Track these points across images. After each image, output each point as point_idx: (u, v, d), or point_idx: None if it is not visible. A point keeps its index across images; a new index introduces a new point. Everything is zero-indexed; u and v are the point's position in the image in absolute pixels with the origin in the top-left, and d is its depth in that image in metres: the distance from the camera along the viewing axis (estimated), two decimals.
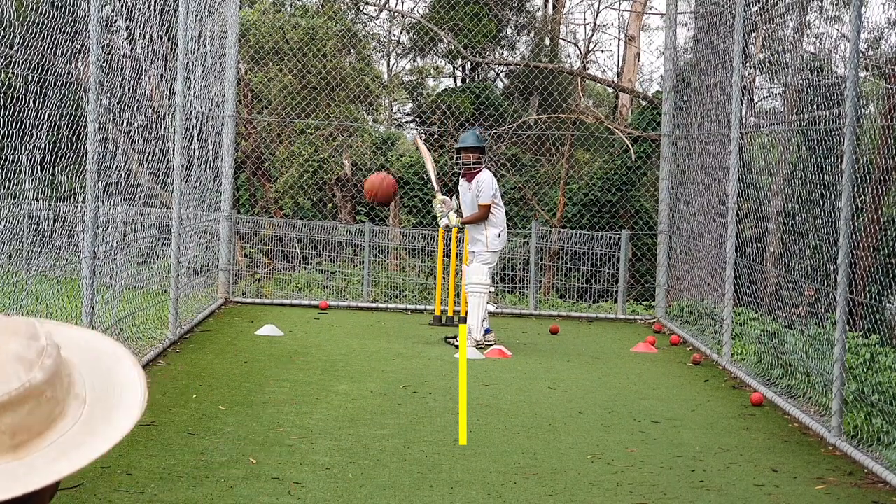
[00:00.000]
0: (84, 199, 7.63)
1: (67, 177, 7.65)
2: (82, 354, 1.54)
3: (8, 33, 6.52)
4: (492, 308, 11.01)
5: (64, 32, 7.32)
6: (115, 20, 9.41)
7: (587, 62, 21.59)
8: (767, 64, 11.32)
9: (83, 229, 7.63)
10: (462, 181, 10.54)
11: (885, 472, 6.31)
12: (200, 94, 11.04)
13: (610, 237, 14.01)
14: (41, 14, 7.10)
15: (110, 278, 8.63)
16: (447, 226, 10.95)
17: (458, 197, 10.81)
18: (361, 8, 19.73)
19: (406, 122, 21.96)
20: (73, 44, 7.54)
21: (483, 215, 10.34)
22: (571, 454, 6.58)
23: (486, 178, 10.36)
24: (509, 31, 20.63)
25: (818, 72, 9.07)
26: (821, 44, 9.66)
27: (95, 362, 1.54)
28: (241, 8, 14.03)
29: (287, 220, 15.84)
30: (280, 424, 6.94)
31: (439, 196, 11.00)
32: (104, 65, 7.65)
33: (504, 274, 14.33)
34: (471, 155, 10.37)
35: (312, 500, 5.44)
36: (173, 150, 9.93)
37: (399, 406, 7.68)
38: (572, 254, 14.37)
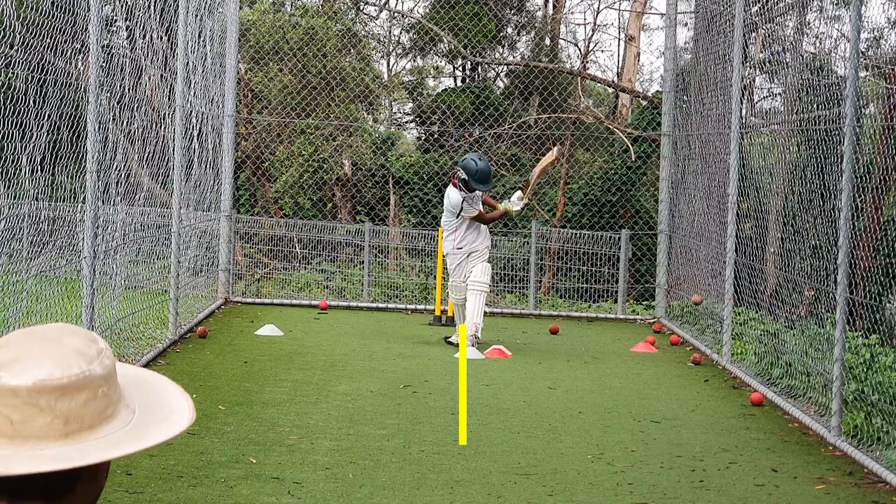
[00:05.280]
0: (84, 199, 7.63)
1: (67, 177, 7.64)
2: (130, 381, 1.63)
3: (8, 33, 6.52)
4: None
5: (64, 32, 7.32)
6: (115, 20, 9.41)
7: (587, 62, 21.58)
8: (767, 64, 11.32)
9: (83, 229, 7.63)
10: (467, 197, 10.39)
11: (885, 472, 6.31)
12: (200, 94, 11.03)
13: (610, 237, 14.01)
14: (41, 14, 7.10)
15: (110, 278, 8.63)
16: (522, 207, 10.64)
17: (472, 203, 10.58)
18: (361, 8, 19.73)
19: (406, 122, 21.96)
20: (73, 44, 7.54)
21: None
22: (571, 454, 6.58)
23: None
24: (509, 30, 20.63)
25: (818, 72, 9.07)
26: (821, 44, 9.67)
27: (143, 387, 1.63)
28: (241, 8, 14.02)
29: (287, 220, 15.84)
30: (280, 424, 6.94)
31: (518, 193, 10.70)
32: (104, 65, 7.65)
33: (504, 274, 14.33)
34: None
35: (312, 500, 5.44)
36: (173, 150, 9.93)
37: (399, 406, 7.68)
38: (572, 254, 14.37)
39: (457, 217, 10.41)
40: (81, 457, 1.46)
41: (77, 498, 1.52)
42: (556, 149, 10.69)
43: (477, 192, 10.36)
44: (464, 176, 10.25)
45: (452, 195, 10.38)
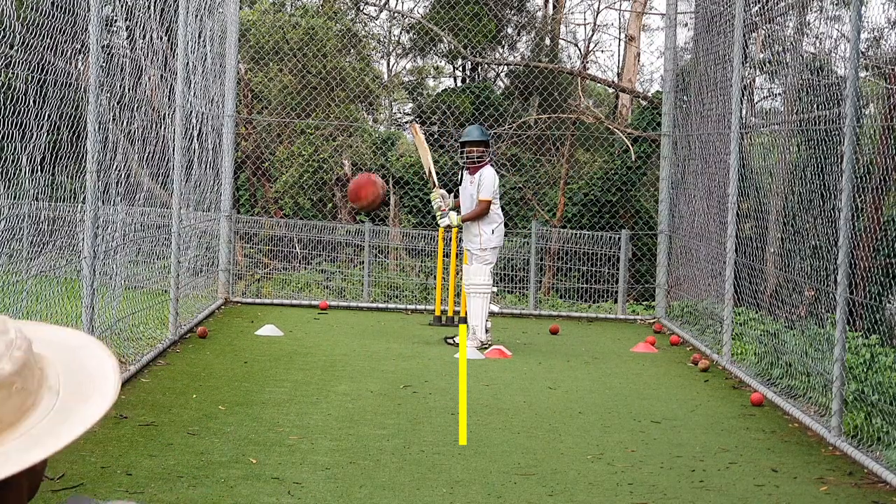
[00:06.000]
0: (84, 199, 7.63)
1: (67, 177, 7.64)
2: (55, 349, 1.55)
3: (8, 33, 6.52)
4: (495, 308, 11.03)
5: (64, 32, 7.32)
6: (115, 20, 9.41)
7: (587, 62, 21.59)
8: (767, 64, 11.32)
9: (83, 229, 7.63)
10: (465, 174, 10.52)
11: (885, 472, 6.31)
12: (200, 94, 11.03)
13: (610, 237, 14.01)
14: (41, 14, 7.10)
15: (110, 278, 8.63)
16: (448, 226, 10.78)
17: (456, 195, 10.77)
18: (361, 8, 19.73)
19: (406, 122, 21.96)
20: (73, 44, 7.54)
21: (483, 210, 10.29)
22: (571, 454, 6.58)
23: (488, 173, 10.35)
24: (509, 30, 20.63)
25: (818, 72, 9.07)
26: (821, 44, 9.66)
27: (69, 357, 1.55)
28: (241, 8, 14.02)
29: (287, 220, 15.84)
30: (280, 424, 6.94)
31: (438, 190, 10.86)
32: (104, 65, 7.65)
33: (504, 274, 14.33)
34: (475, 149, 10.37)
35: (312, 500, 5.44)
36: (173, 150, 9.93)
37: (399, 406, 7.68)
38: (572, 254, 14.37)
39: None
40: (1, 465, 1.41)
41: (18, 487, 1.47)
42: (414, 126, 11.17)
43: (467, 177, 10.43)
44: None
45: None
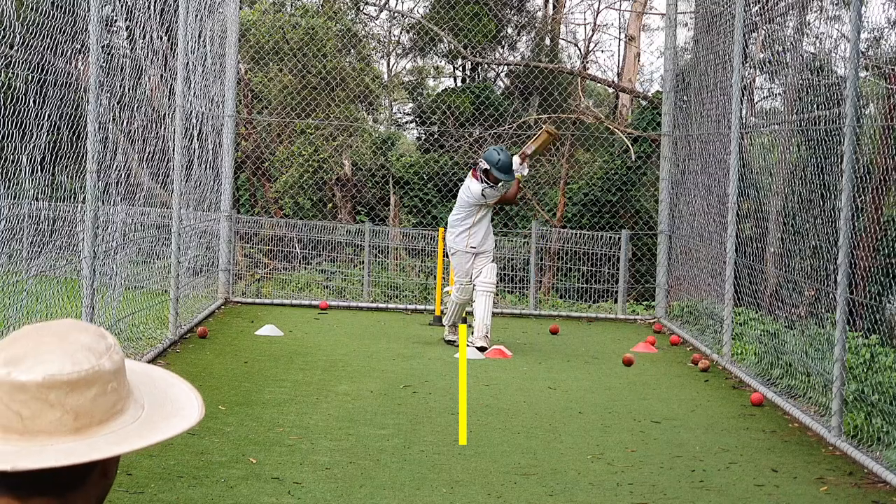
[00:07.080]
0: (84, 199, 7.63)
1: (67, 177, 7.64)
2: (139, 376, 1.64)
3: (8, 33, 6.52)
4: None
5: (64, 32, 7.32)
6: (115, 20, 9.41)
7: (587, 62, 21.58)
8: (767, 64, 11.32)
9: (83, 229, 7.63)
10: (484, 185, 10.38)
11: (885, 472, 6.31)
12: (200, 94, 11.03)
13: (610, 237, 14.01)
14: (41, 14, 7.10)
15: (110, 278, 8.63)
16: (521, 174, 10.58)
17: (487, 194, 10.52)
18: (361, 8, 19.73)
19: (406, 122, 21.96)
20: (73, 44, 7.54)
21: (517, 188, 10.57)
22: (571, 454, 6.58)
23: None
24: (509, 30, 20.63)
25: (818, 72, 9.07)
26: (821, 44, 9.67)
27: (152, 384, 1.63)
28: (241, 8, 14.03)
29: (287, 220, 15.84)
30: (280, 424, 6.94)
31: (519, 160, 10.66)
32: (104, 65, 7.65)
33: (504, 274, 14.33)
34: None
35: (312, 500, 5.44)
36: (173, 150, 9.93)
37: (399, 406, 7.68)
38: (572, 254, 14.37)
39: (480, 206, 10.36)
40: (89, 451, 1.46)
41: (87, 493, 1.52)
42: (545, 128, 10.59)
43: (499, 182, 10.30)
44: (485, 166, 10.25)
45: (473, 186, 10.36)
